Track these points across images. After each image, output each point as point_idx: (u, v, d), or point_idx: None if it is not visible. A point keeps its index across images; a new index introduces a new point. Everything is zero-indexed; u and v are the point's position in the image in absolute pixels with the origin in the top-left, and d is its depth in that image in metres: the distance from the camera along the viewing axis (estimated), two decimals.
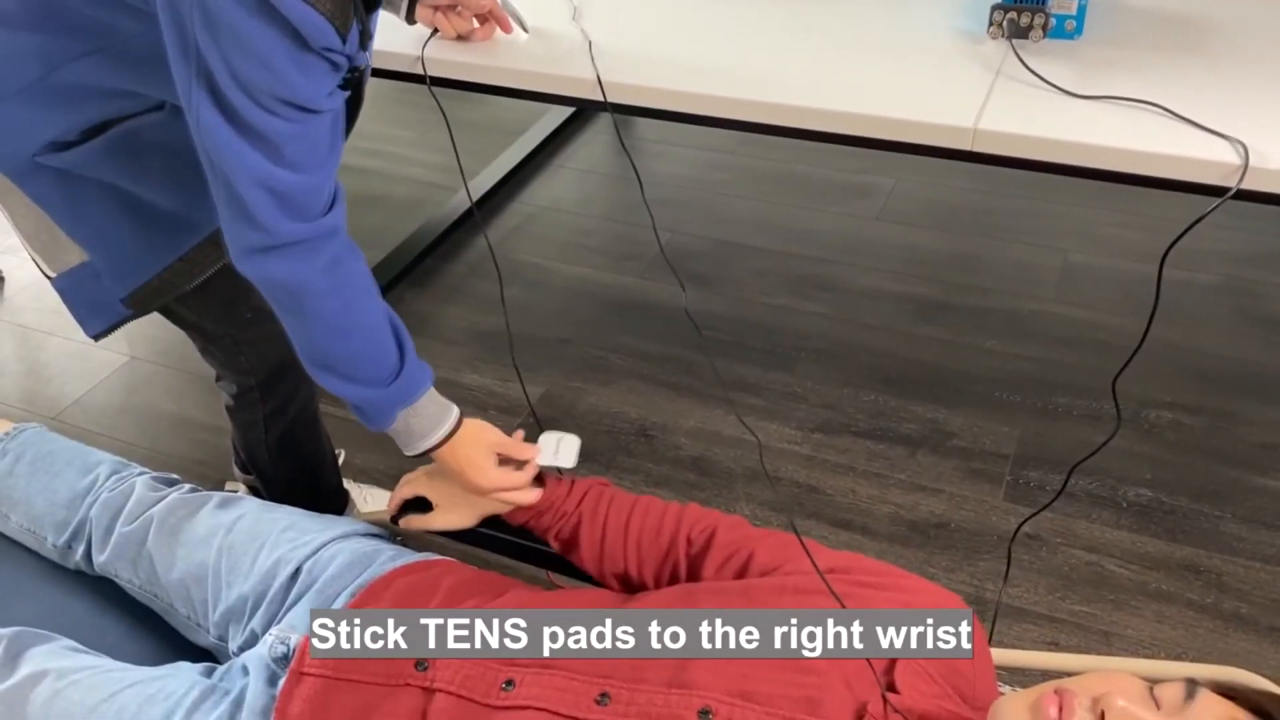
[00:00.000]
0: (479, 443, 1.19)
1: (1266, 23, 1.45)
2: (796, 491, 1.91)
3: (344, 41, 0.95)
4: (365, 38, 1.03)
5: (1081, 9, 1.41)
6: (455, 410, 1.20)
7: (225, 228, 1.03)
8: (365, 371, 1.11)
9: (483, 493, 1.19)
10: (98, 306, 1.24)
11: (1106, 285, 2.38)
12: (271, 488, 1.59)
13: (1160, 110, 1.23)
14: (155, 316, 1.36)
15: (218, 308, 1.33)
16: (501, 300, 2.33)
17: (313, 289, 1.05)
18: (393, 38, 1.50)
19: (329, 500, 1.67)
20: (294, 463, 1.58)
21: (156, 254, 1.22)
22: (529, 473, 1.20)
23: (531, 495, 1.19)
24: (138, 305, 1.25)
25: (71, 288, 1.23)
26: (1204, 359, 2.15)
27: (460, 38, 1.50)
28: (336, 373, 1.10)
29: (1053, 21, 1.41)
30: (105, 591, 1.24)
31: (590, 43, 1.49)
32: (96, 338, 1.27)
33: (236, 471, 1.69)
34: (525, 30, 1.53)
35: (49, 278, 1.24)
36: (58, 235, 1.19)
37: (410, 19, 1.45)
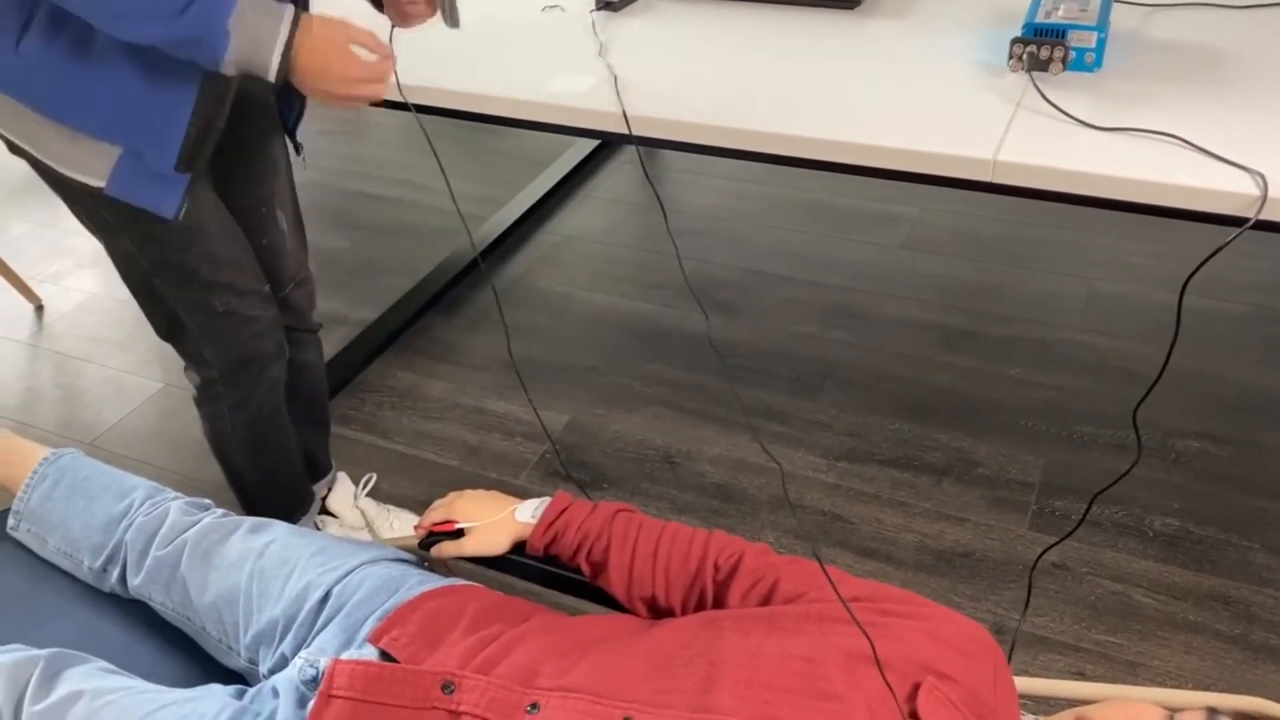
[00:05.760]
0: (333, 26, 1.16)
1: None
2: (821, 520, 1.92)
3: None
4: None
5: (1101, 42, 1.42)
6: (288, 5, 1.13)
7: None
8: None
9: (357, 82, 1.16)
10: (160, 185, 1.24)
11: (1133, 314, 2.38)
12: (239, 482, 1.65)
13: (1179, 141, 1.24)
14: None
15: (195, 294, 1.39)
16: (506, 335, 2.36)
17: None
18: (421, 74, 1.54)
19: (294, 498, 1.73)
20: (260, 457, 1.63)
21: (177, 106, 1.20)
22: (389, 64, 1.17)
23: None
24: (189, 165, 1.24)
25: (127, 183, 1.23)
26: (1232, 388, 2.14)
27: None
28: (157, 17, 1.06)
29: (1072, 54, 1.43)
30: (139, 614, 1.26)
31: (615, 77, 1.52)
32: (177, 216, 1.26)
33: None
34: (456, 25, 1.40)
35: (101, 191, 1.23)
36: (80, 140, 1.20)
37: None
